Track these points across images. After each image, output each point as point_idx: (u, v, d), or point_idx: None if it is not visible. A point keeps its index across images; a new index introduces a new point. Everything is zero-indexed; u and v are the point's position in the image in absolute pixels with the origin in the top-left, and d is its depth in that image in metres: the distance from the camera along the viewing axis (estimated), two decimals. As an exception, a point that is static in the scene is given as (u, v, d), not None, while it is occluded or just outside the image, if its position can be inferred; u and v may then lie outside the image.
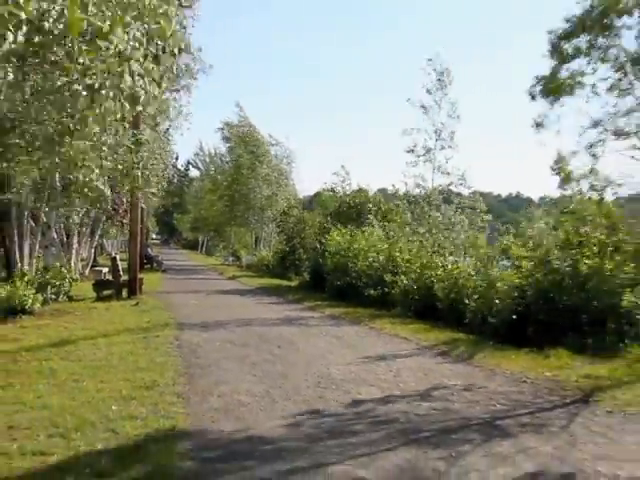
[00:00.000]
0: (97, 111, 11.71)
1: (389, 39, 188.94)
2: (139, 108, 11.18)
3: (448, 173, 34.20)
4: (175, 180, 64.41)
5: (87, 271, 45.49)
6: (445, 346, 18.69)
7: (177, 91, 42.52)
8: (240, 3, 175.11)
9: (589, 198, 19.55)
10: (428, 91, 34.15)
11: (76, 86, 11.30)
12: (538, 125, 17.40)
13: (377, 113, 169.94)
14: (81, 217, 39.65)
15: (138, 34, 11.44)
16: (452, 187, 34.70)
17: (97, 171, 20.90)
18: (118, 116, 10.71)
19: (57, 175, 27.14)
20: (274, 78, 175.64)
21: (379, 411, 11.42)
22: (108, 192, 28.01)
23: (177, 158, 65.02)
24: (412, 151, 34.30)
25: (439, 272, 25.05)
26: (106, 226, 46.93)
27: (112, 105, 11.36)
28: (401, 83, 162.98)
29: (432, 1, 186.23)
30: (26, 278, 26.04)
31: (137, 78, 12.40)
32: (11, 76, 9.80)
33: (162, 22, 9.56)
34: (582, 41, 16.87)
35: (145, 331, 20.52)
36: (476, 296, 21.46)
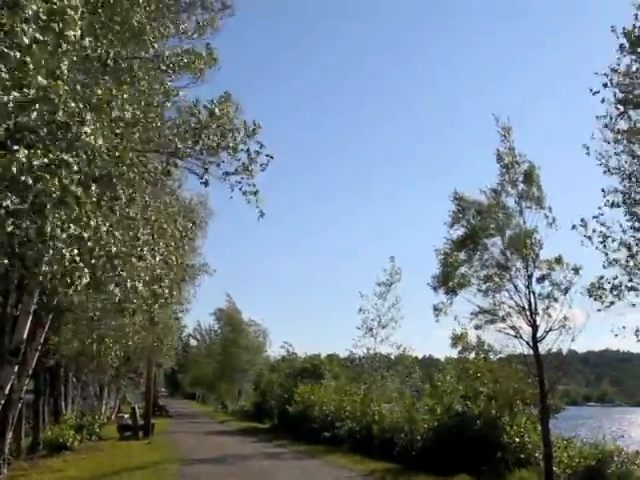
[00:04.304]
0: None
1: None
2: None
3: (395, 345, 34.05)
4: (180, 349, 63.63)
5: (113, 416, 44.67)
6: (379, 473, 18.39)
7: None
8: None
9: (480, 359, 20.03)
10: (380, 284, 33.02)
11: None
12: (438, 311, 17.99)
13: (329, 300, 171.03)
14: (110, 377, 39.56)
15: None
16: (390, 353, 34.63)
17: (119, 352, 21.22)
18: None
19: (94, 347, 27.20)
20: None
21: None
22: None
23: (182, 332, 64.58)
24: (360, 328, 33.85)
25: (376, 417, 24.77)
26: (128, 383, 46.14)
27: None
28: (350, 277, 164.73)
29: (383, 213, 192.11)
30: (68, 422, 25.56)
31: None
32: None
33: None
34: (463, 255, 17.74)
35: (156, 464, 20.06)
36: (402, 434, 21.31)
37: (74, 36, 6.33)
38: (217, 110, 13.26)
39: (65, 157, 6.45)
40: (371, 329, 33.17)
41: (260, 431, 38.31)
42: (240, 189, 12.59)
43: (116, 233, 9.31)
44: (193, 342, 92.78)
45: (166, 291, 12.56)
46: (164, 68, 12.86)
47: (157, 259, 11.52)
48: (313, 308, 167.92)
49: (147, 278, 10.71)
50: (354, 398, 30.09)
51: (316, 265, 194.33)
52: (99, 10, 9.94)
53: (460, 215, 17.74)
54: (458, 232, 17.80)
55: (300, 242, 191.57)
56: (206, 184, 13.14)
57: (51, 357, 23.85)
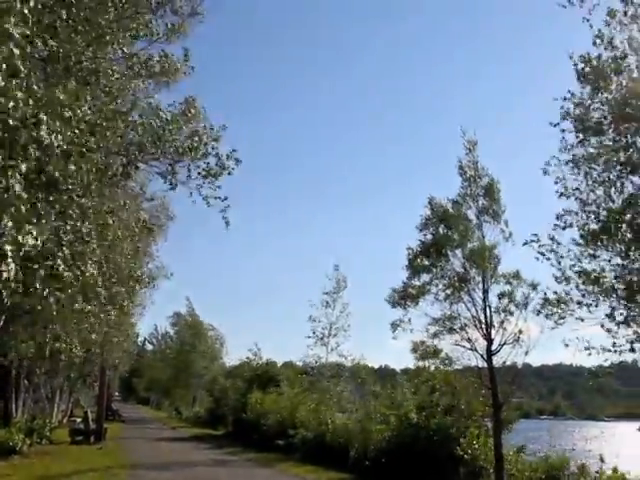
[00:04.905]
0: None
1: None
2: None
3: (344, 356, 33.87)
4: (135, 353, 62.39)
5: (65, 420, 43.76)
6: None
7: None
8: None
9: (440, 371, 20.08)
10: (327, 293, 33.49)
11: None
12: (395, 327, 18.06)
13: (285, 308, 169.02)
14: (63, 379, 38.78)
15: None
16: (343, 362, 34.43)
17: (77, 347, 20.73)
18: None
19: (47, 348, 26.61)
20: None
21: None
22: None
23: (138, 336, 63.45)
24: (311, 336, 33.67)
25: (330, 426, 24.77)
26: (81, 386, 45.32)
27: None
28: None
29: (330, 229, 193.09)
30: (18, 425, 24.99)
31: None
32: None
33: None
34: (427, 261, 17.84)
35: (107, 469, 19.78)
36: (356, 444, 21.33)
37: (20, 34, 6.05)
38: (185, 109, 13.18)
39: (15, 162, 6.18)
40: (322, 337, 33.19)
41: (213, 438, 38.08)
42: (200, 194, 12.51)
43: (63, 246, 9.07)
44: (149, 346, 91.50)
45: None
46: (137, 72, 12.71)
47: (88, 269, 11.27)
48: (272, 316, 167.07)
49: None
50: (307, 407, 30.05)
51: (277, 272, 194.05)
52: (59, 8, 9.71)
53: (429, 221, 17.83)
54: (427, 236, 17.90)
55: (263, 247, 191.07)
56: (174, 187, 12.99)
57: (3, 359, 23.28)
